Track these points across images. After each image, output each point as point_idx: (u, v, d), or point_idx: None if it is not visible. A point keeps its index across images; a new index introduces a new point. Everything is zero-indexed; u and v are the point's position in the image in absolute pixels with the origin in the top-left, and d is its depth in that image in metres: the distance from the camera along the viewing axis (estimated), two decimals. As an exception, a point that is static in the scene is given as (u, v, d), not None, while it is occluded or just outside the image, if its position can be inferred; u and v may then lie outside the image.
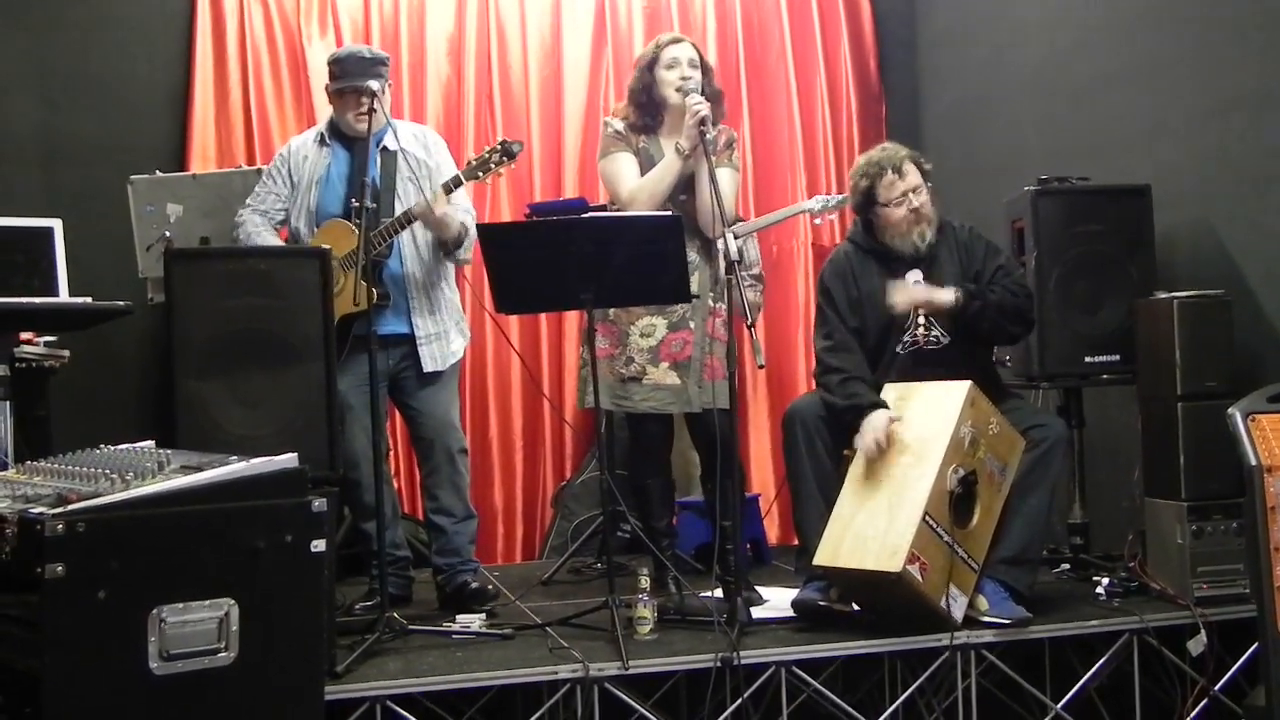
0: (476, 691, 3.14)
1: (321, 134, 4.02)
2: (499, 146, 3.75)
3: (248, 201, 4.06)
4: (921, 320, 3.67)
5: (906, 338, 3.67)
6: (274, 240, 3.99)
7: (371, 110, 3.67)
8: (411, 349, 3.91)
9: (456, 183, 3.78)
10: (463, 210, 3.95)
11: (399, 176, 3.93)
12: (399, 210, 3.82)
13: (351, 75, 3.86)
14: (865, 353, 3.68)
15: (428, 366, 3.93)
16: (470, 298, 4.71)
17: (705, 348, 3.92)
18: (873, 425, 3.46)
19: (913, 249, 3.68)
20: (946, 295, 3.59)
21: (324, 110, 5.26)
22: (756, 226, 4.83)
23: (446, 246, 3.91)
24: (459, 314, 4.08)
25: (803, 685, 3.22)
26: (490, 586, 3.98)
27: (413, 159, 3.92)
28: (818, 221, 5.02)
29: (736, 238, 3.70)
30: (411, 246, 3.92)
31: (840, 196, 4.61)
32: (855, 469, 3.50)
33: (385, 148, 3.94)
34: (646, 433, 4.05)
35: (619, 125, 4.02)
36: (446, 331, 3.98)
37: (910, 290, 3.61)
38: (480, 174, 3.76)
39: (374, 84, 3.73)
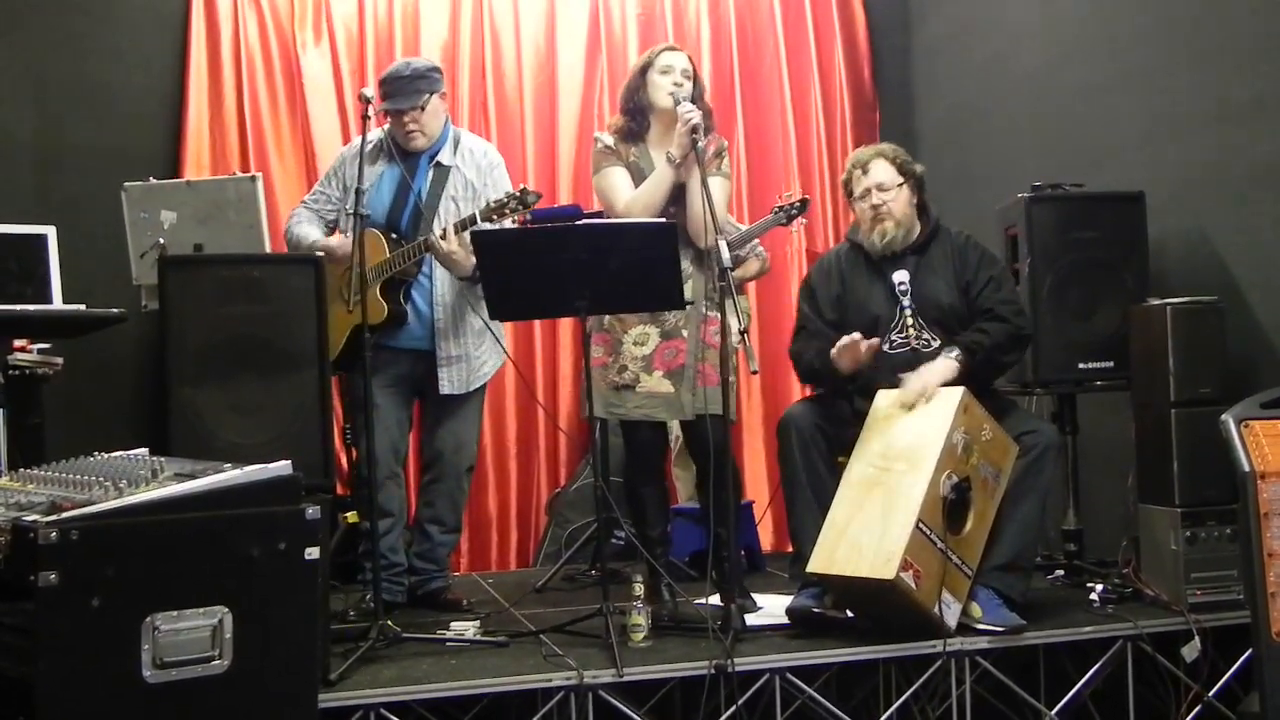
0: (470, 699, 3.13)
1: (381, 141, 4.05)
2: (518, 194, 3.74)
3: (304, 199, 4.18)
4: (910, 321, 3.68)
5: (896, 338, 3.69)
6: (313, 229, 4.04)
7: (365, 117, 3.68)
8: (435, 366, 3.97)
9: (471, 221, 3.78)
10: None
11: (444, 195, 3.97)
12: (438, 227, 3.84)
13: (391, 97, 3.92)
14: None
15: (444, 389, 3.98)
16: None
17: (698, 355, 3.91)
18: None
19: (873, 247, 3.73)
20: (951, 368, 3.55)
21: (318, 117, 5.31)
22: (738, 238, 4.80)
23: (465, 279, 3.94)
24: (499, 333, 4.11)
25: (797, 692, 3.22)
26: (464, 601, 4.07)
27: (461, 179, 3.98)
28: (793, 229, 4.99)
29: (731, 249, 3.70)
30: (442, 268, 3.95)
31: (803, 197, 4.60)
32: (849, 476, 3.50)
33: (439, 162, 3.99)
34: (640, 440, 4.04)
35: (609, 140, 4.02)
36: (469, 355, 4.02)
37: (918, 380, 3.53)
38: (494, 217, 3.77)
39: (406, 103, 3.84)
